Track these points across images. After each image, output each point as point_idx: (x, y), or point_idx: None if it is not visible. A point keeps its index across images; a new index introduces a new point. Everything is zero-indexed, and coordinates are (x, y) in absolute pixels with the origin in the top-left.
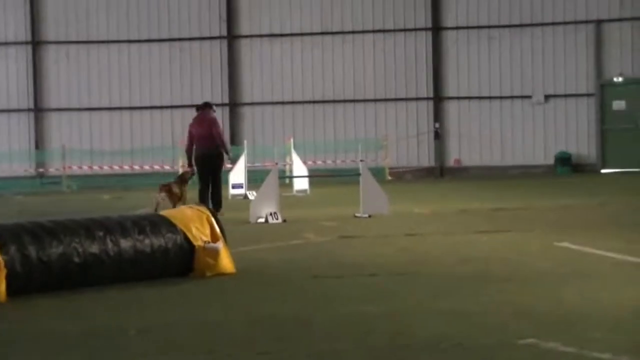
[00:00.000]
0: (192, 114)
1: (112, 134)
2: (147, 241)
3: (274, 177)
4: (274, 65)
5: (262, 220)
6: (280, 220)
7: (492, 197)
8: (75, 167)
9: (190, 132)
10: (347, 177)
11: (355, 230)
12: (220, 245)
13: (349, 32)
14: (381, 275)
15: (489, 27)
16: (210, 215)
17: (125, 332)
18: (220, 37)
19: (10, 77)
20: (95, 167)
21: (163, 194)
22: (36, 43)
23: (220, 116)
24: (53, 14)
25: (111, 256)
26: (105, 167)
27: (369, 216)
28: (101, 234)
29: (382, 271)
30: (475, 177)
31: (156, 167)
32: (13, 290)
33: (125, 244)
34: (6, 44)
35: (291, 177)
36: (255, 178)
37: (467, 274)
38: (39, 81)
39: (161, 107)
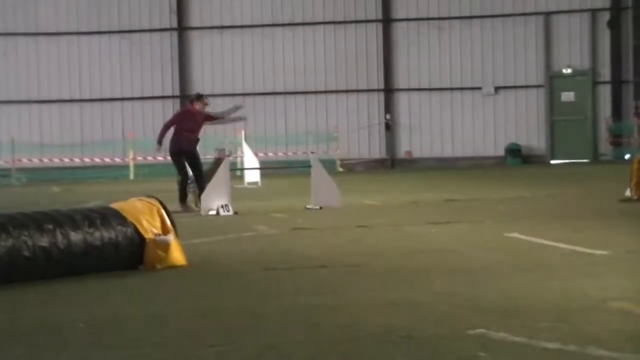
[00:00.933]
0: (143, 106)
1: (62, 127)
2: (97, 234)
3: (225, 169)
4: (224, 57)
5: (214, 212)
6: (231, 212)
7: (443, 188)
8: (25, 160)
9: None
10: (298, 169)
11: (306, 222)
12: (170, 237)
13: (299, 24)
14: (331, 267)
15: (439, 19)
16: (160, 207)
17: (74, 326)
18: (170, 29)
19: None
20: (45, 160)
21: None
22: None
23: (171, 108)
24: (2, 4)
25: (61, 249)
26: (55, 160)
27: (320, 208)
28: (51, 227)
29: (333, 263)
30: (426, 168)
31: (106, 159)
32: None
33: (75, 237)
34: None
35: (242, 169)
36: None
37: (416, 265)
38: None
39: (111, 100)
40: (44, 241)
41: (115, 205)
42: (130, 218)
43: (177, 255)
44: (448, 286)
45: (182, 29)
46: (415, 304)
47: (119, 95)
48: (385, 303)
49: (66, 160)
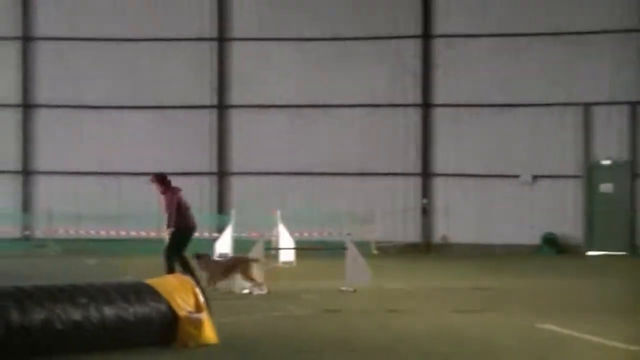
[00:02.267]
0: (180, 182)
1: (99, 199)
2: (130, 309)
3: (260, 248)
4: (262, 136)
5: (247, 291)
6: (264, 291)
7: (476, 275)
8: (61, 230)
9: (181, 202)
10: (333, 250)
11: (338, 304)
12: (203, 315)
13: (336, 106)
14: (360, 351)
15: (479, 105)
16: (194, 285)
17: None
18: (210, 107)
19: None
20: (81, 232)
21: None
22: (27, 106)
23: (208, 185)
24: (45, 76)
25: (94, 323)
26: (91, 232)
27: (354, 290)
28: (84, 300)
29: (362, 347)
30: (461, 254)
31: (142, 233)
32: None
33: (108, 311)
34: None
35: (277, 249)
36: (241, 248)
37: (444, 353)
38: (28, 144)
39: (149, 174)
40: (77, 315)
41: (149, 281)
42: (164, 294)
43: (209, 333)
44: None
45: (222, 106)
46: None
47: (156, 170)
48: None
49: (102, 232)
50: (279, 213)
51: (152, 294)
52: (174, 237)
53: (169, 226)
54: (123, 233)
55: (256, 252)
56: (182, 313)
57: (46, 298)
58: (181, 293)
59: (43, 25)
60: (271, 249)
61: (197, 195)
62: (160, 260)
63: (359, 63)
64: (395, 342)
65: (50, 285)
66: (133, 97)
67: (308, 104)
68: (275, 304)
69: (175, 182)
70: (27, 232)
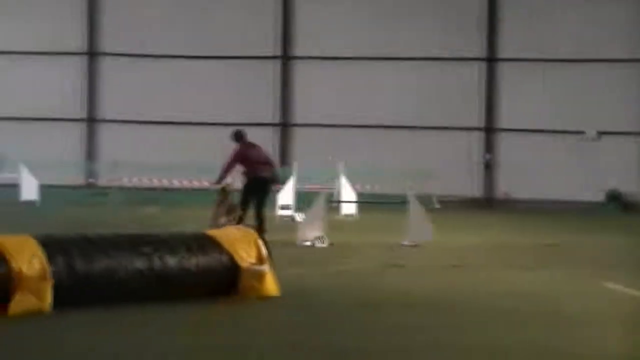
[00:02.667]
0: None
1: (162, 148)
2: (193, 260)
3: (323, 201)
4: (325, 87)
5: (309, 243)
6: (326, 244)
7: (540, 231)
8: (125, 179)
9: (243, 154)
10: (395, 204)
11: (400, 258)
12: (266, 267)
13: (401, 59)
14: (421, 307)
15: (545, 60)
16: (257, 237)
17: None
18: (274, 57)
19: (65, 86)
20: (145, 180)
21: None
22: (92, 54)
23: (270, 137)
24: (110, 26)
25: (156, 273)
26: (154, 181)
27: (415, 245)
28: (147, 250)
29: (423, 303)
30: (524, 210)
31: (205, 183)
32: (58, 301)
33: (171, 261)
34: (63, 53)
35: (339, 202)
36: (303, 200)
37: (508, 310)
38: (93, 92)
39: (212, 124)
40: (139, 264)
41: (212, 233)
42: (226, 245)
43: (270, 286)
44: (533, 333)
45: (286, 57)
46: (500, 348)
47: (220, 120)
48: (476, 346)
49: (165, 182)
50: (341, 165)
51: (215, 245)
52: (242, 189)
53: (218, 179)
54: (186, 183)
55: (318, 206)
56: (244, 265)
57: (110, 246)
58: (243, 245)
59: None
60: (333, 202)
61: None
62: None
63: (421, 15)
64: (457, 299)
65: (113, 234)
66: (199, 46)
67: (370, 57)
68: (338, 258)
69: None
70: (91, 180)
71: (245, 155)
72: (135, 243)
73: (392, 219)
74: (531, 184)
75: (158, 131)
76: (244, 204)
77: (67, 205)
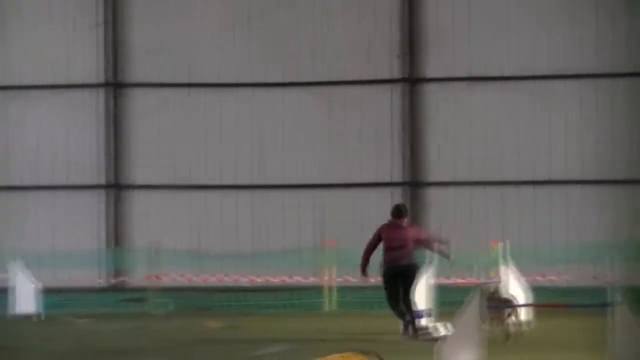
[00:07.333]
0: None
1: (221, 226)
2: None
3: (478, 303)
4: (473, 123)
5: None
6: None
7: None
8: (168, 277)
9: (383, 236)
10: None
11: None
12: None
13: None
14: None
15: None
16: None
17: None
18: (391, 81)
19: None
20: (198, 278)
21: None
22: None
23: (390, 200)
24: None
25: None
26: (212, 279)
27: None
28: None
29: None
30: None
31: (288, 279)
32: None
33: None
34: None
35: (509, 305)
36: (445, 301)
37: None
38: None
39: (301, 187)
40: None
41: None
42: None
43: None
44: None
45: (412, 80)
46: None
47: (315, 181)
48: None
49: (227, 279)
50: (501, 246)
51: None
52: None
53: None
54: (259, 280)
55: (472, 310)
56: None
57: None
58: None
59: None
60: (500, 304)
61: (372, 214)
62: None
63: None
64: None
65: None
66: (283, 71)
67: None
68: None
69: (345, 194)
70: (118, 280)
71: (383, 235)
72: None
73: (585, 329)
74: None
75: (213, 200)
76: (390, 299)
77: (86, 320)
